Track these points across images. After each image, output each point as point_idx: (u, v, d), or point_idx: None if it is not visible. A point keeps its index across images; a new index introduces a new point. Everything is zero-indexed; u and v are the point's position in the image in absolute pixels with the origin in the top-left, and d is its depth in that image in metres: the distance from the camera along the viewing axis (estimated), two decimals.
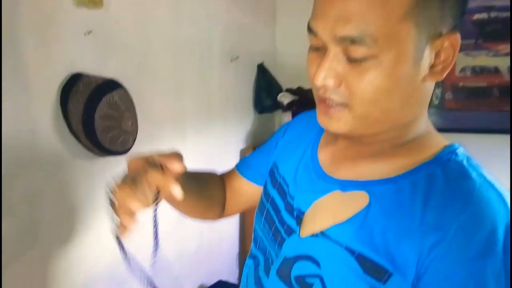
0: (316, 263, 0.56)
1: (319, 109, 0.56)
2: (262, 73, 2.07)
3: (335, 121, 0.54)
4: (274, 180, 0.71)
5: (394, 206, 0.52)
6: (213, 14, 1.69)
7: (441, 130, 2.00)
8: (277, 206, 0.67)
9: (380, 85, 0.49)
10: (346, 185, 0.57)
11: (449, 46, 0.50)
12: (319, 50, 0.52)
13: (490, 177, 0.52)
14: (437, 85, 2.09)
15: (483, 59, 2.01)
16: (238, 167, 0.83)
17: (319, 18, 0.50)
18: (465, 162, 0.53)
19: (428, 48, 0.50)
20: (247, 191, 0.81)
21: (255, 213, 0.74)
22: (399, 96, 0.51)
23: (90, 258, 1.15)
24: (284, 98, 2.04)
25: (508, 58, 1.97)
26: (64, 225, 1.06)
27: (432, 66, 0.51)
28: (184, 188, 0.63)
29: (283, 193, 0.67)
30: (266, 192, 0.72)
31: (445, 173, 0.52)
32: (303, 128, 0.74)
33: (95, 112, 1.00)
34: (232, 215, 0.88)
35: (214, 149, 1.69)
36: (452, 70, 2.06)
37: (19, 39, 0.92)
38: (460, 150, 0.55)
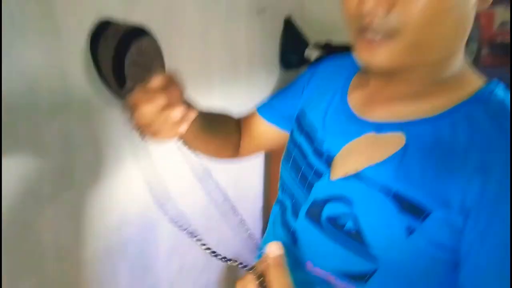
0: (349, 203, 0.56)
1: (360, 44, 0.53)
2: (289, 27, 2.02)
3: (381, 54, 0.51)
4: (301, 126, 0.70)
5: (433, 146, 0.51)
6: None
7: None
8: (304, 152, 0.66)
9: (435, 5, 0.47)
10: (381, 127, 0.56)
11: None
12: None
13: None
14: (473, 40, 1.99)
15: None
16: (259, 108, 0.83)
17: None
18: (507, 100, 0.51)
19: None
20: (267, 133, 0.81)
21: (281, 160, 0.75)
22: (452, 19, 0.49)
23: (123, 203, 1.20)
24: (312, 54, 1.99)
25: None
26: (97, 169, 1.09)
27: None
28: (199, 125, 0.64)
29: (310, 139, 0.66)
30: (292, 139, 0.72)
31: (487, 111, 0.50)
32: (331, 73, 0.72)
33: (125, 58, 1.00)
34: (246, 156, 0.88)
35: (239, 104, 1.68)
36: (490, 25, 1.95)
37: None
38: (500, 88, 0.53)
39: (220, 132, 0.79)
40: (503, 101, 0.51)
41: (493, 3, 2.02)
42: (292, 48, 2.01)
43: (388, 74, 0.57)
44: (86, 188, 1.06)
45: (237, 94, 1.70)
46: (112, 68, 1.00)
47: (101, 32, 1.02)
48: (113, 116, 1.11)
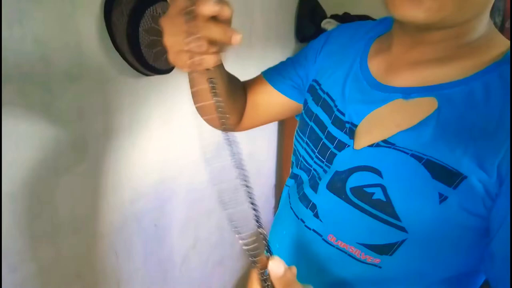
0: (377, 172, 0.53)
1: None
2: None
3: (428, 7, 0.47)
4: (316, 97, 0.66)
5: (467, 109, 0.48)
6: None
7: None
8: (323, 122, 0.63)
9: None
10: (409, 92, 0.53)
11: None
12: None
13: None
14: (498, 12, 1.91)
15: None
16: (266, 74, 0.77)
17: None
18: None
19: None
20: (274, 102, 0.76)
21: (295, 133, 0.71)
22: None
23: (137, 175, 1.18)
24: (329, 25, 1.92)
25: None
26: (112, 142, 1.07)
27: None
28: (220, 73, 0.59)
29: (329, 109, 0.63)
30: (307, 110, 0.68)
31: None
32: (347, 39, 0.68)
33: (139, 25, 0.97)
34: (247, 128, 0.81)
35: (253, 75, 1.64)
36: None
37: None
38: None
39: (232, 92, 0.71)
40: None
41: None
42: (308, 19, 1.95)
43: (420, 34, 0.54)
44: (101, 160, 1.05)
45: (252, 68, 1.66)
46: (127, 35, 0.97)
47: None
48: (128, 85, 1.08)
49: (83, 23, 0.95)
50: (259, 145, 1.88)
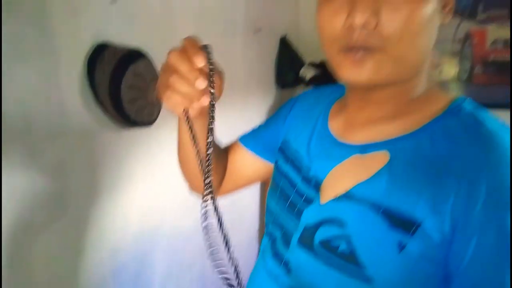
0: (341, 224, 0.56)
1: (346, 61, 0.53)
2: (285, 46, 2.03)
3: (368, 68, 0.52)
4: (286, 156, 0.71)
5: (417, 159, 0.52)
6: None
7: None
8: (292, 180, 0.66)
9: (415, 20, 0.49)
10: (365, 148, 0.57)
11: None
12: None
13: (502, 122, 0.53)
14: (466, 58, 2.01)
15: None
16: (242, 138, 0.81)
17: None
18: (476, 111, 0.54)
19: None
20: (251, 164, 0.79)
21: (268, 191, 0.73)
22: (427, 33, 0.52)
23: (117, 229, 1.17)
24: (307, 73, 2.00)
25: None
26: (92, 195, 1.07)
27: (442, 8, 0.53)
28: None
29: (297, 167, 0.67)
30: (278, 169, 0.72)
31: (461, 122, 0.53)
32: (312, 102, 0.74)
33: (121, 82, 0.99)
34: (226, 193, 0.84)
35: (235, 122, 1.67)
36: (483, 43, 1.98)
37: (47, 8, 0.91)
38: (469, 101, 0.56)
39: (215, 155, 0.75)
40: (473, 113, 0.54)
41: (485, 22, 2.04)
42: (288, 67, 2.02)
43: (368, 94, 0.59)
44: (80, 215, 1.04)
45: (233, 114, 1.70)
46: (109, 92, 0.99)
47: (98, 56, 1.01)
48: (110, 139, 1.09)
49: (66, 81, 0.97)
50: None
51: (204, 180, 0.53)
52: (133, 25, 1.13)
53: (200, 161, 0.55)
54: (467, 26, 1.99)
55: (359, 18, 0.49)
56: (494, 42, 1.97)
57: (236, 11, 1.66)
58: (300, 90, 2.22)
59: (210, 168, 0.53)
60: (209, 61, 0.52)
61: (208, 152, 0.54)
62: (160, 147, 1.25)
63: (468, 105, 0.55)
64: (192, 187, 0.79)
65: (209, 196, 0.53)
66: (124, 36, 1.09)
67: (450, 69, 2.07)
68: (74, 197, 1.01)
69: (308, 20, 2.24)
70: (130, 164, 1.17)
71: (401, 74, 0.54)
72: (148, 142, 1.22)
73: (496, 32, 1.95)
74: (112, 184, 1.12)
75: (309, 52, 2.07)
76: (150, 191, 1.27)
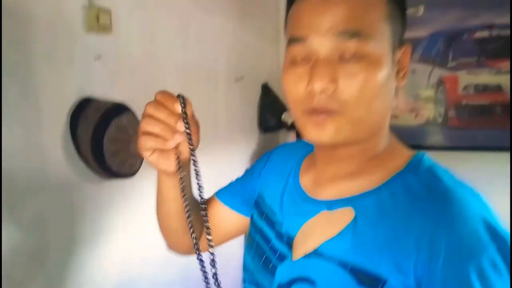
0: (312, 283, 0.57)
1: (309, 122, 0.56)
2: (266, 93, 2.09)
3: (329, 129, 0.55)
4: (260, 211, 0.73)
5: (379, 216, 0.55)
6: (219, 36, 1.72)
7: (444, 148, 2.05)
8: (267, 235, 0.68)
9: (370, 85, 0.53)
10: (332, 204, 0.60)
11: (405, 55, 0.58)
12: (304, 61, 0.55)
13: (458, 178, 0.56)
14: (440, 103, 2.10)
15: (486, 77, 2.03)
16: (219, 194, 0.82)
17: (310, 25, 0.54)
18: (435, 167, 0.57)
19: (395, 54, 0.56)
20: (228, 219, 0.80)
21: (244, 247, 0.75)
22: (383, 96, 0.56)
23: (96, 283, 1.15)
24: (288, 118, 2.05)
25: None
26: (72, 249, 1.06)
27: (397, 72, 0.57)
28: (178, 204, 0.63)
29: (271, 222, 0.68)
30: (254, 224, 0.73)
31: (419, 178, 0.55)
32: (284, 158, 0.76)
33: (104, 136, 1.01)
34: (202, 251, 0.82)
35: (219, 169, 1.69)
36: (455, 88, 2.07)
37: (31, 61, 0.94)
38: (427, 157, 0.59)
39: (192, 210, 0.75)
40: (431, 169, 0.56)
41: (456, 68, 2.14)
42: (270, 112, 2.07)
43: (333, 152, 0.62)
44: (59, 270, 1.02)
45: (218, 159, 1.72)
46: (91, 146, 1.01)
47: (81, 110, 1.03)
48: (91, 191, 1.10)
49: (49, 136, 0.98)
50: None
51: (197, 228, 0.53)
52: (117, 79, 1.17)
53: (188, 211, 0.56)
54: (439, 72, 2.09)
55: (318, 85, 0.52)
56: (466, 87, 2.07)
57: (218, 61, 1.73)
58: (282, 134, 2.27)
59: (206, 213, 0.56)
60: (184, 109, 0.54)
61: (201, 196, 0.56)
62: (142, 197, 1.25)
63: (427, 161, 0.58)
64: (170, 244, 0.79)
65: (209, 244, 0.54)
66: (108, 90, 1.12)
67: (426, 113, 2.15)
68: (54, 251, 1.00)
69: None
70: (111, 215, 1.17)
71: (360, 134, 0.57)
72: (130, 192, 1.22)
73: (466, 78, 2.06)
74: (93, 236, 1.11)
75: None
76: (131, 242, 1.26)
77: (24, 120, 0.92)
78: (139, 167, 1.14)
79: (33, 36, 0.94)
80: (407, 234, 0.51)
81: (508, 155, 1.94)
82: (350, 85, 0.53)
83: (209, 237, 0.54)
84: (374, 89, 0.53)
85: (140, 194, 1.25)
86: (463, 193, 0.52)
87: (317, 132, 0.56)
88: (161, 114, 0.54)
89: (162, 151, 0.56)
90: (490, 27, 2.01)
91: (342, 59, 0.53)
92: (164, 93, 0.56)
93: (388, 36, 0.54)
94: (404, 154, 0.60)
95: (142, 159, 1.14)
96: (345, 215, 0.57)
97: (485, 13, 2.00)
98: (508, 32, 1.99)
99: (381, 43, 0.53)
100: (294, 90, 0.56)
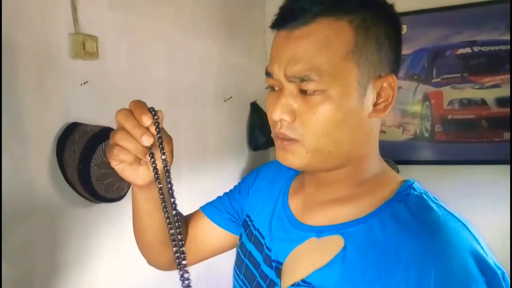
0: None
1: (277, 145, 0.59)
2: (255, 111, 2.12)
3: (290, 155, 0.57)
4: (249, 232, 0.72)
5: (368, 245, 0.55)
6: (206, 58, 1.75)
7: (432, 162, 2.09)
8: (256, 260, 0.68)
9: (330, 117, 0.54)
10: (321, 231, 0.60)
11: (388, 86, 0.57)
12: (276, 90, 0.58)
13: (447, 206, 0.56)
14: (427, 118, 2.14)
15: (470, 92, 2.08)
16: (204, 209, 0.81)
17: (274, 61, 0.57)
18: (424, 196, 0.57)
19: (370, 87, 0.55)
20: (213, 235, 0.79)
21: (233, 268, 0.74)
22: (348, 128, 0.56)
23: None
24: None
25: (494, 91, 2.03)
26: (59, 273, 1.05)
27: (375, 104, 0.57)
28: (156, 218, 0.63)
29: (260, 246, 0.68)
30: (242, 246, 0.73)
31: (408, 207, 0.56)
32: (273, 177, 0.77)
33: (91, 161, 1.02)
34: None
35: (210, 187, 1.70)
36: (440, 103, 2.12)
37: (18, 89, 0.95)
38: (416, 185, 0.59)
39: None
40: (420, 197, 0.57)
41: (440, 84, 2.18)
42: (259, 130, 2.10)
43: (318, 176, 0.62)
44: None
45: (207, 180, 1.73)
46: (78, 171, 1.02)
47: (69, 135, 1.04)
48: (78, 215, 1.10)
49: (35, 160, 0.99)
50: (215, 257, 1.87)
51: (174, 246, 0.52)
52: (104, 103, 1.18)
53: (169, 223, 0.54)
54: (424, 88, 2.14)
55: (275, 115, 0.55)
56: (451, 102, 2.11)
57: (206, 82, 1.75)
58: (272, 151, 2.29)
59: (179, 231, 0.54)
60: (156, 122, 0.52)
61: (175, 213, 0.54)
62: (130, 220, 1.25)
63: (417, 189, 0.58)
64: (149, 259, 0.78)
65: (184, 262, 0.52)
66: (95, 115, 1.14)
67: (413, 128, 2.19)
68: (40, 276, 1.00)
69: None
70: (99, 239, 1.17)
71: (329, 163, 0.58)
72: (118, 216, 1.22)
73: (451, 93, 2.10)
74: (80, 260, 1.11)
75: None
76: (119, 265, 1.26)
77: (10, 146, 0.93)
78: (127, 191, 1.14)
79: (20, 63, 0.95)
80: (396, 265, 0.51)
81: (497, 168, 1.98)
82: (307, 117, 0.54)
83: (184, 262, 0.54)
84: (333, 123, 0.54)
85: (128, 217, 1.24)
86: (452, 224, 0.52)
87: (281, 157, 0.58)
88: (127, 124, 0.52)
89: (130, 163, 0.55)
90: (471, 43, 2.07)
91: (302, 94, 0.54)
92: (137, 102, 0.54)
93: (353, 70, 0.54)
94: (393, 181, 0.60)
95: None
96: (334, 243, 0.57)
97: (467, 30, 2.06)
98: (489, 48, 2.05)
99: (341, 79, 0.53)
100: (268, 114, 0.59)
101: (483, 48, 2.07)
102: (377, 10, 0.56)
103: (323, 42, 0.53)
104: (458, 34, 2.09)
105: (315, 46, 0.53)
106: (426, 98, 2.15)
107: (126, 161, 0.54)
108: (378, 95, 0.57)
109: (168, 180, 0.54)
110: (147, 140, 0.51)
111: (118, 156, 0.53)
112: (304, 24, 0.53)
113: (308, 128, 0.55)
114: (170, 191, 0.55)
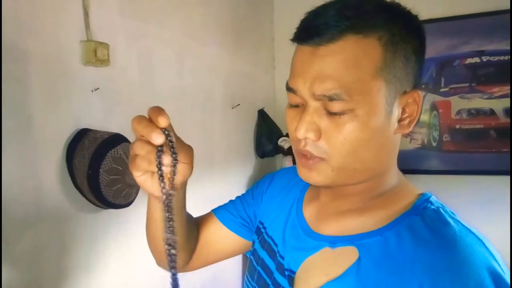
0: None
1: (299, 162, 0.59)
2: (263, 118, 2.12)
3: (315, 174, 0.57)
4: (262, 240, 0.72)
5: (384, 258, 0.54)
6: (215, 65, 1.76)
7: (439, 172, 2.07)
8: (269, 268, 0.68)
9: (357, 136, 0.53)
10: (335, 241, 0.59)
11: (412, 102, 0.56)
12: (298, 106, 0.57)
13: (464, 221, 0.55)
14: (435, 127, 2.13)
15: (478, 102, 2.07)
16: (216, 212, 0.81)
17: (298, 77, 0.55)
18: (441, 210, 0.56)
19: (396, 103, 0.55)
20: (224, 239, 0.79)
21: (245, 276, 0.74)
22: (374, 146, 0.55)
23: None
24: (285, 143, 2.07)
25: (503, 101, 2.02)
26: (68, 279, 1.05)
27: (400, 120, 0.56)
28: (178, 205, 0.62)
29: (273, 254, 0.68)
30: (254, 253, 0.73)
31: (425, 221, 0.55)
32: (286, 184, 0.76)
33: (100, 167, 1.03)
34: (196, 268, 0.82)
35: (217, 194, 1.70)
36: (448, 113, 2.11)
37: (29, 96, 0.96)
38: (433, 198, 0.59)
39: (186, 229, 0.72)
40: (438, 209, 0.56)
41: (448, 94, 2.16)
42: (266, 138, 2.10)
43: (331, 188, 0.62)
44: None
45: (215, 185, 1.73)
46: (87, 178, 1.02)
47: (78, 141, 1.05)
48: (87, 221, 1.10)
49: (45, 166, 1.00)
50: (221, 265, 1.87)
51: (170, 255, 0.52)
52: (115, 110, 1.19)
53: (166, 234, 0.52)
54: (432, 97, 2.13)
55: (300, 134, 0.54)
56: (459, 112, 2.10)
57: (214, 89, 1.76)
58: (279, 159, 2.28)
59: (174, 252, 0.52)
60: (168, 133, 0.51)
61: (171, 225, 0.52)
62: (138, 226, 1.25)
63: (434, 203, 0.57)
64: (159, 262, 0.78)
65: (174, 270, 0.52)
66: (105, 121, 1.14)
67: (421, 138, 2.18)
68: (49, 282, 1.00)
69: (284, 94, 2.36)
70: (107, 244, 1.17)
71: (351, 179, 0.57)
72: (126, 221, 1.23)
73: (459, 103, 2.09)
74: (88, 266, 1.11)
75: (286, 123, 2.17)
76: (127, 271, 1.26)
77: (20, 152, 0.93)
78: (135, 197, 1.15)
79: (31, 70, 0.96)
80: (411, 279, 0.50)
81: (505, 178, 1.96)
82: (334, 137, 0.53)
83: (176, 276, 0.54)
84: (360, 142, 0.53)
85: (136, 222, 1.25)
86: (469, 240, 0.51)
87: (304, 174, 0.58)
88: (139, 126, 0.51)
89: (152, 173, 0.54)
90: (480, 53, 2.06)
91: (329, 112, 0.53)
92: (155, 107, 0.52)
93: (381, 88, 0.53)
94: (410, 194, 0.59)
95: (139, 188, 1.16)
96: (349, 254, 0.56)
97: (475, 40, 2.06)
98: (498, 58, 2.04)
99: (370, 97, 0.52)
100: (290, 129, 0.58)
101: (491, 58, 2.06)
102: (405, 23, 0.54)
103: (351, 60, 0.51)
104: (467, 43, 2.09)
105: (344, 65, 0.51)
106: (434, 107, 2.14)
107: (148, 170, 0.53)
108: (403, 111, 0.56)
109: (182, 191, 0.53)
110: (157, 138, 0.49)
111: (140, 166, 0.52)
112: (330, 41, 0.52)
113: (334, 147, 0.54)
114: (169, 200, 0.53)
